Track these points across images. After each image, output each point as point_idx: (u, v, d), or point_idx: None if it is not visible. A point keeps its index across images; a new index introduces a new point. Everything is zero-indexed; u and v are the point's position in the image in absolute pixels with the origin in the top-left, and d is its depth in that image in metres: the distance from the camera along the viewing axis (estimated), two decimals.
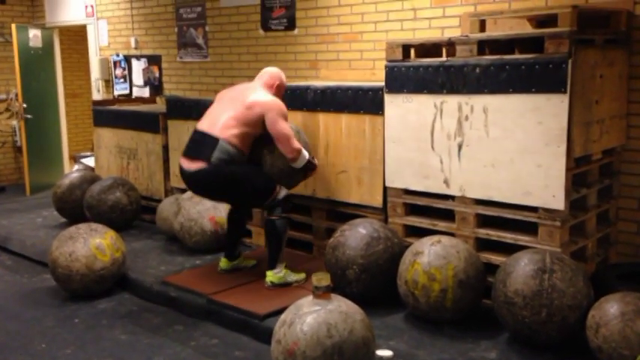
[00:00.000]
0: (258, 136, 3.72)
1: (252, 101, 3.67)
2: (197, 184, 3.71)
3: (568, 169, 3.10)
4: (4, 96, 7.81)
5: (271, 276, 3.72)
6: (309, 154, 3.83)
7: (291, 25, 5.33)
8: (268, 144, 3.75)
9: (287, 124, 3.70)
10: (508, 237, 3.32)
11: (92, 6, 7.26)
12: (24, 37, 7.26)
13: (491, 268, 3.30)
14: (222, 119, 3.67)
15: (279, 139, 3.65)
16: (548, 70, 3.06)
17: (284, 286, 3.72)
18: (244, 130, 3.65)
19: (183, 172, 3.73)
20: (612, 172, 3.66)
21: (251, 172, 3.71)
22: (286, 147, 3.66)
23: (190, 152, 3.71)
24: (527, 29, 3.76)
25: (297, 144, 3.68)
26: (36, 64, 7.47)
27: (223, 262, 4.04)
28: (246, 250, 4.44)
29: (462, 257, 3.15)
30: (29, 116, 7.29)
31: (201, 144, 3.66)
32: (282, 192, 3.73)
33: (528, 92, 3.14)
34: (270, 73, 3.90)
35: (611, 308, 2.72)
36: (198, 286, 3.82)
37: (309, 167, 3.84)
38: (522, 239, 3.26)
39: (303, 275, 3.80)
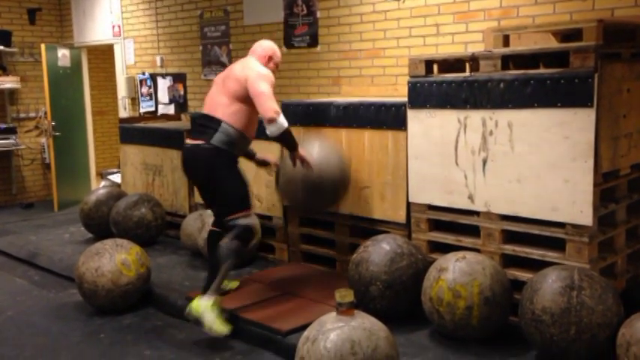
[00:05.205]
0: (254, 112, 3.62)
1: (243, 74, 3.60)
2: (189, 159, 3.70)
3: (596, 185, 3.05)
4: (33, 114, 7.99)
5: (195, 303, 3.44)
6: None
7: (313, 42, 5.37)
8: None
9: (268, 87, 3.51)
10: (535, 253, 3.27)
11: (119, 26, 7.42)
12: (53, 57, 7.43)
13: (518, 285, 3.25)
14: (219, 100, 3.67)
15: (254, 97, 3.49)
16: (574, 85, 3.03)
17: (197, 321, 3.41)
18: (239, 107, 3.61)
19: (184, 148, 3.77)
20: None
21: (235, 176, 3.65)
22: (262, 106, 3.46)
23: (195, 133, 3.77)
24: (551, 44, 3.73)
25: (275, 105, 3.47)
26: (64, 83, 7.62)
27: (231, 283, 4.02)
28: (269, 266, 4.45)
29: (488, 274, 3.11)
30: (57, 134, 7.44)
31: (204, 126, 3.67)
32: (249, 219, 3.60)
33: (554, 107, 3.11)
34: (263, 46, 3.80)
35: None
36: (221, 301, 3.82)
37: (291, 144, 3.58)
38: (549, 255, 3.20)
39: (225, 327, 3.42)
